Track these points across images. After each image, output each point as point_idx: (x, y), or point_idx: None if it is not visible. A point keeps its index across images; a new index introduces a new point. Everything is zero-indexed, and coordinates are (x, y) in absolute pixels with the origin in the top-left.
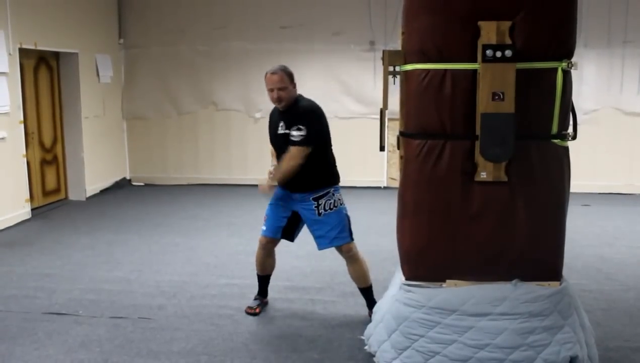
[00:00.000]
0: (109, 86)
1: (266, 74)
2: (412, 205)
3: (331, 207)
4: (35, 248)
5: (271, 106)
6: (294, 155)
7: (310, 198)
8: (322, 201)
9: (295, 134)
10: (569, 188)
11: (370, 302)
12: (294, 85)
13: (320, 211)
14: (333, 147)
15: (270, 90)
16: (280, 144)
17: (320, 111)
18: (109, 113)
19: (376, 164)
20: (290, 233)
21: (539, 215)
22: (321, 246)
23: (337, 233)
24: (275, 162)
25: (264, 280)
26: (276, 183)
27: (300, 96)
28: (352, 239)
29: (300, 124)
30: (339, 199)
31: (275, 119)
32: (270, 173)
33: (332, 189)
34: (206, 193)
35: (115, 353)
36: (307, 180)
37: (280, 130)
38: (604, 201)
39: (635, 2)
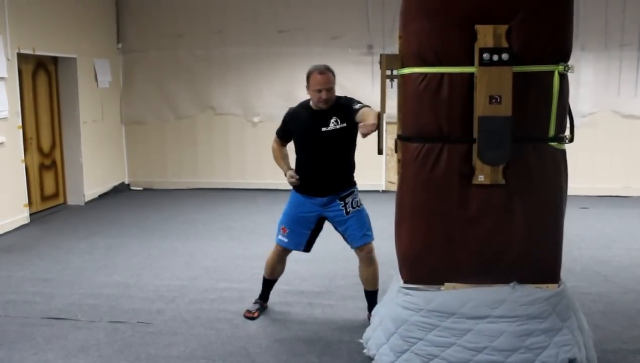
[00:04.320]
0: (107, 91)
1: (311, 72)
2: (410, 209)
3: (358, 204)
4: (33, 253)
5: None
6: (374, 111)
7: (337, 199)
8: (348, 200)
9: (357, 106)
10: (567, 191)
11: (373, 306)
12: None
13: (348, 209)
14: None
15: (318, 91)
16: (325, 142)
17: None
18: (107, 118)
19: (374, 168)
20: (310, 245)
21: (536, 217)
22: (355, 243)
23: (366, 231)
24: (287, 165)
25: (269, 284)
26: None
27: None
28: (373, 238)
29: (353, 105)
30: (359, 199)
31: (309, 120)
32: (293, 177)
33: (355, 188)
34: (205, 197)
35: (114, 358)
36: (339, 180)
37: (333, 126)
38: (602, 204)
39: (632, 5)
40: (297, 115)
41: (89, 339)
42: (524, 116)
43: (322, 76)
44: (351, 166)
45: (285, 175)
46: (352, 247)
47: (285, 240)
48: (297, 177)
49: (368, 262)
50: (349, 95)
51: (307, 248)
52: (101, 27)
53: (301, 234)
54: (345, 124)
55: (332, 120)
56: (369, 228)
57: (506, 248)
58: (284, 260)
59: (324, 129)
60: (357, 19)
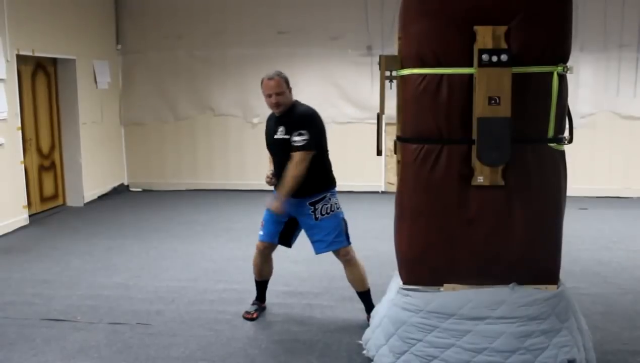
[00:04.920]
0: (106, 92)
1: (262, 79)
2: (410, 210)
3: (328, 211)
4: (33, 255)
5: (269, 111)
6: (300, 160)
7: (307, 203)
8: (318, 206)
9: (298, 139)
10: (566, 191)
11: (369, 306)
12: (290, 90)
13: (317, 215)
14: (330, 152)
15: (268, 96)
16: (277, 148)
17: (318, 116)
18: (106, 119)
19: (374, 169)
20: (287, 239)
21: (536, 218)
22: (318, 250)
23: (334, 238)
24: (272, 167)
25: (261, 286)
26: (285, 197)
27: (297, 101)
28: (349, 243)
29: (301, 129)
30: (336, 204)
31: (272, 124)
32: (268, 177)
33: (329, 194)
34: (204, 198)
35: (113, 359)
36: (304, 185)
37: (279, 135)
38: (601, 205)
39: (630, 6)
40: (269, 119)
41: (88, 340)
42: (523, 117)
43: (270, 81)
44: (318, 172)
45: None
46: (315, 253)
47: (261, 232)
48: (270, 176)
49: (348, 265)
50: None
51: (285, 241)
52: (100, 28)
53: (274, 224)
54: (288, 137)
55: (279, 129)
56: (341, 234)
57: (505, 249)
58: (269, 258)
59: (275, 136)
60: (357, 20)
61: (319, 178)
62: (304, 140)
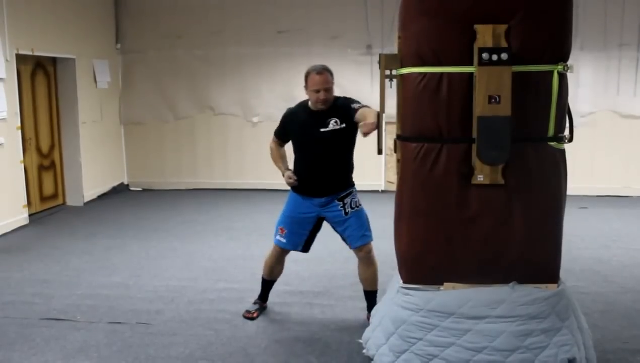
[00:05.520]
0: (106, 91)
1: (309, 73)
2: (409, 209)
3: (357, 205)
4: (32, 254)
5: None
6: (373, 110)
7: (336, 199)
8: (347, 200)
9: (356, 106)
10: (566, 190)
11: (372, 306)
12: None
13: (347, 210)
14: None
15: (316, 91)
16: (324, 142)
17: None
18: (106, 118)
19: (374, 168)
20: (308, 245)
21: (536, 217)
22: (354, 244)
23: (365, 231)
24: (283, 165)
25: (268, 285)
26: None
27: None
28: (372, 239)
29: (352, 105)
30: (359, 199)
31: (308, 119)
32: (291, 178)
33: (354, 189)
34: (204, 197)
35: (113, 359)
36: (337, 181)
37: (332, 127)
38: (601, 203)
39: (631, 5)
40: (296, 115)
41: (88, 340)
42: (523, 116)
43: (320, 76)
44: (350, 166)
45: (284, 175)
46: (350, 248)
47: (284, 240)
48: (295, 177)
49: (367, 262)
50: (347, 95)
51: (306, 248)
52: (100, 27)
53: (299, 235)
54: (344, 125)
55: (332, 121)
56: (368, 229)
57: (505, 248)
58: (283, 260)
59: (322, 130)
60: (356, 19)
61: (348, 173)
62: (360, 104)
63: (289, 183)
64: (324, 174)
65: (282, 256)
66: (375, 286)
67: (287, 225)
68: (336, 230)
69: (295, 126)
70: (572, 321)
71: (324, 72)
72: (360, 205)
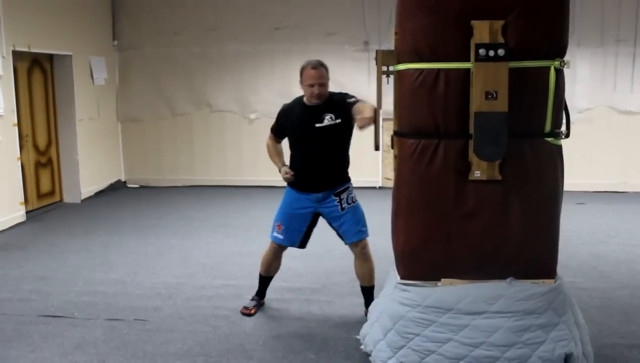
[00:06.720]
0: (103, 88)
1: (304, 68)
2: (407, 205)
3: (353, 200)
4: (30, 251)
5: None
6: (369, 105)
7: (332, 194)
8: (343, 196)
9: (352, 100)
10: (563, 186)
11: (369, 302)
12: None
13: (343, 205)
14: None
15: (310, 86)
16: (319, 137)
17: None
18: (103, 115)
19: (371, 164)
20: (305, 241)
21: (533, 213)
22: (349, 240)
23: (361, 227)
24: (280, 161)
25: (265, 281)
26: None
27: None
28: (368, 235)
29: (348, 99)
30: (355, 194)
31: (303, 114)
32: (288, 173)
33: (350, 184)
34: (201, 194)
35: (111, 355)
36: (334, 176)
37: (327, 122)
38: (598, 199)
39: (627, 1)
40: (291, 111)
41: (85, 337)
42: (520, 112)
43: (315, 71)
44: (346, 162)
45: (280, 171)
46: (346, 243)
47: (280, 237)
48: (292, 173)
49: (363, 258)
50: (344, 91)
51: (302, 244)
52: (97, 24)
53: (296, 231)
54: (340, 120)
55: (327, 116)
56: (364, 224)
57: (502, 243)
58: (280, 256)
59: (317, 125)
60: (353, 15)
61: (344, 168)
62: (355, 99)
63: (285, 179)
64: (319, 169)
65: (279, 252)
66: (372, 282)
67: (284, 221)
68: (332, 226)
69: (291, 122)
70: (569, 316)
71: (319, 67)
72: (356, 200)
